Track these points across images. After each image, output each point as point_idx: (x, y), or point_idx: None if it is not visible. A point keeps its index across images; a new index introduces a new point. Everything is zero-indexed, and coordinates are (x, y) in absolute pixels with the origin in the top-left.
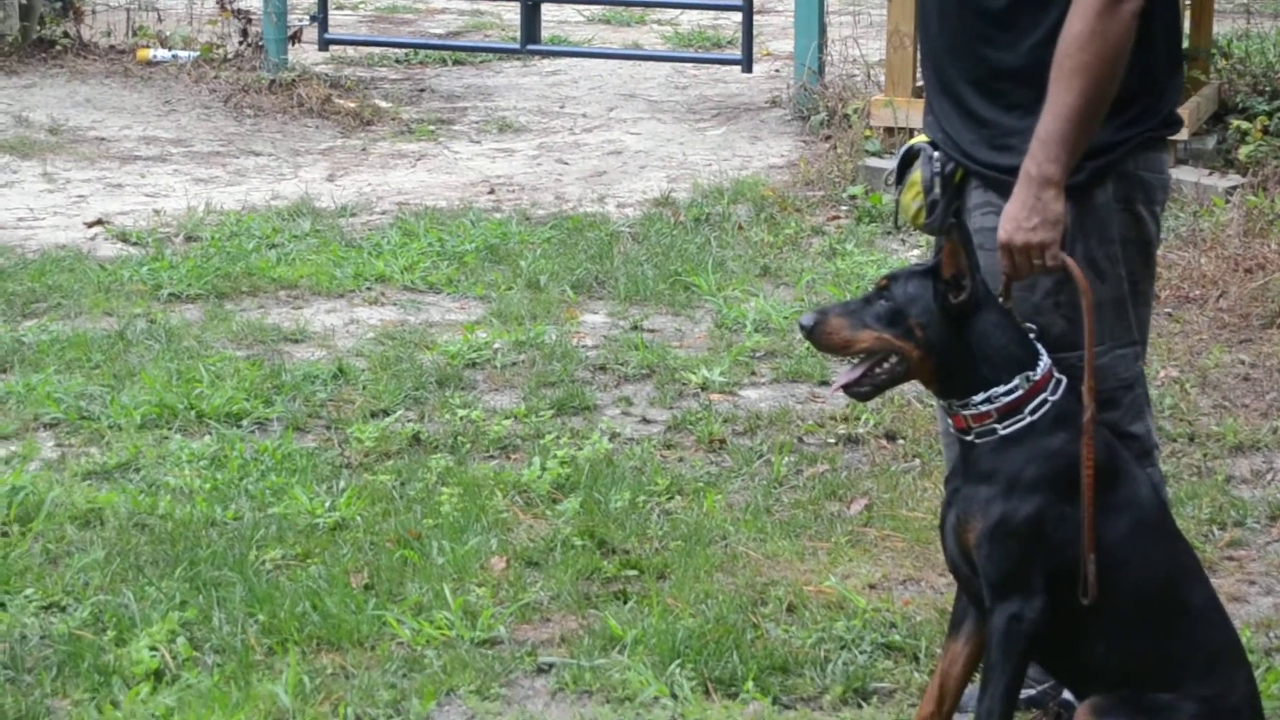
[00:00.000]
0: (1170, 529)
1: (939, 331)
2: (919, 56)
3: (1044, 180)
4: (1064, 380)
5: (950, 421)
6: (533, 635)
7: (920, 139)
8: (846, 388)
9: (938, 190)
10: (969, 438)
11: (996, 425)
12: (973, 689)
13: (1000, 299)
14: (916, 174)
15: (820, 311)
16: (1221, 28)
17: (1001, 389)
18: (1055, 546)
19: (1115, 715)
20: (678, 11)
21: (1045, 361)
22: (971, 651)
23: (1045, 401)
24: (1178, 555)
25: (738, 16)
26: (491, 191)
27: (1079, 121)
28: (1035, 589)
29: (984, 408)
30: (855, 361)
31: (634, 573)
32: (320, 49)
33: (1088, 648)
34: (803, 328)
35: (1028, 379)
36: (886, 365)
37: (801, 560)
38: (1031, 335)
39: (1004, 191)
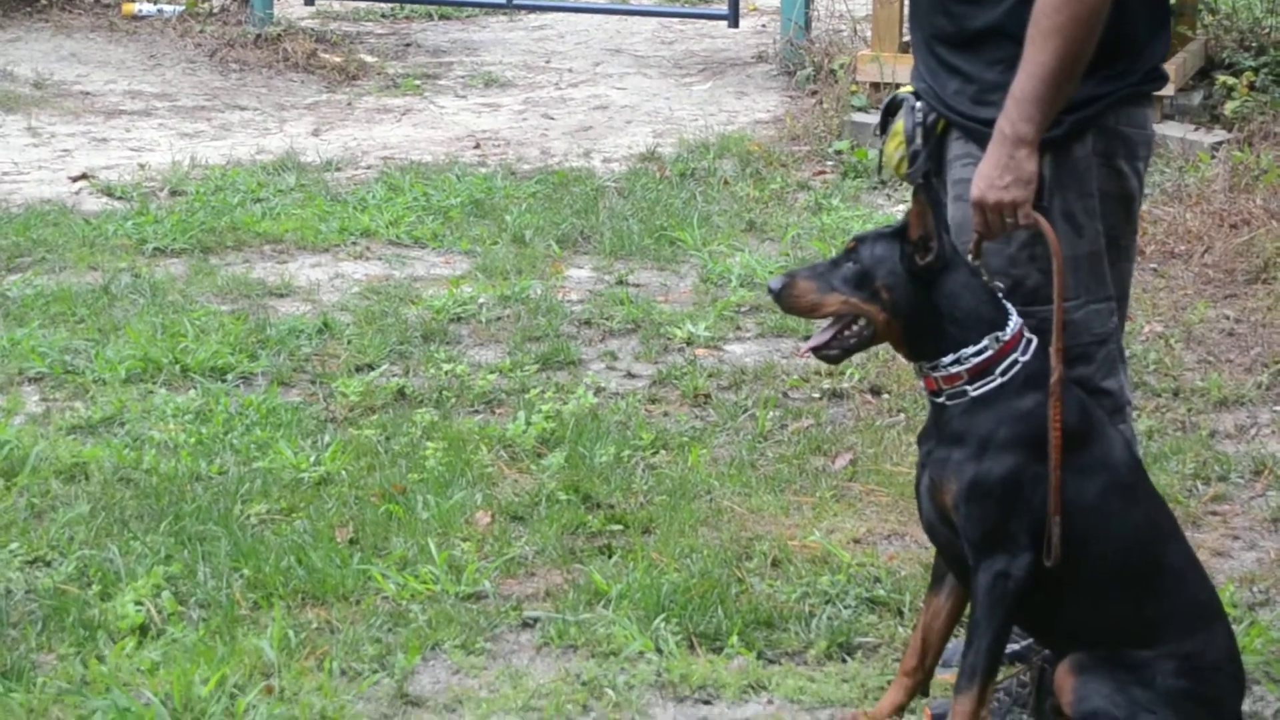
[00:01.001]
0: (1145, 488)
1: (905, 293)
2: (908, 10)
3: (1017, 139)
4: (1034, 340)
5: (921, 382)
6: (517, 590)
7: (905, 89)
8: (816, 350)
9: (919, 140)
10: (940, 399)
11: (967, 387)
12: (956, 643)
13: (970, 254)
14: (899, 124)
15: (788, 275)
16: None
17: (971, 350)
18: (1034, 505)
19: (1096, 672)
20: None
21: (1015, 321)
22: (953, 605)
23: (1016, 362)
24: (1153, 514)
25: None
26: (477, 146)
27: (1054, 81)
28: (1020, 545)
29: (954, 369)
30: (824, 325)
31: (619, 527)
32: (306, 3)
33: (1067, 608)
34: (771, 291)
35: (997, 339)
36: (855, 328)
37: (786, 515)
38: (1000, 294)
39: (984, 143)
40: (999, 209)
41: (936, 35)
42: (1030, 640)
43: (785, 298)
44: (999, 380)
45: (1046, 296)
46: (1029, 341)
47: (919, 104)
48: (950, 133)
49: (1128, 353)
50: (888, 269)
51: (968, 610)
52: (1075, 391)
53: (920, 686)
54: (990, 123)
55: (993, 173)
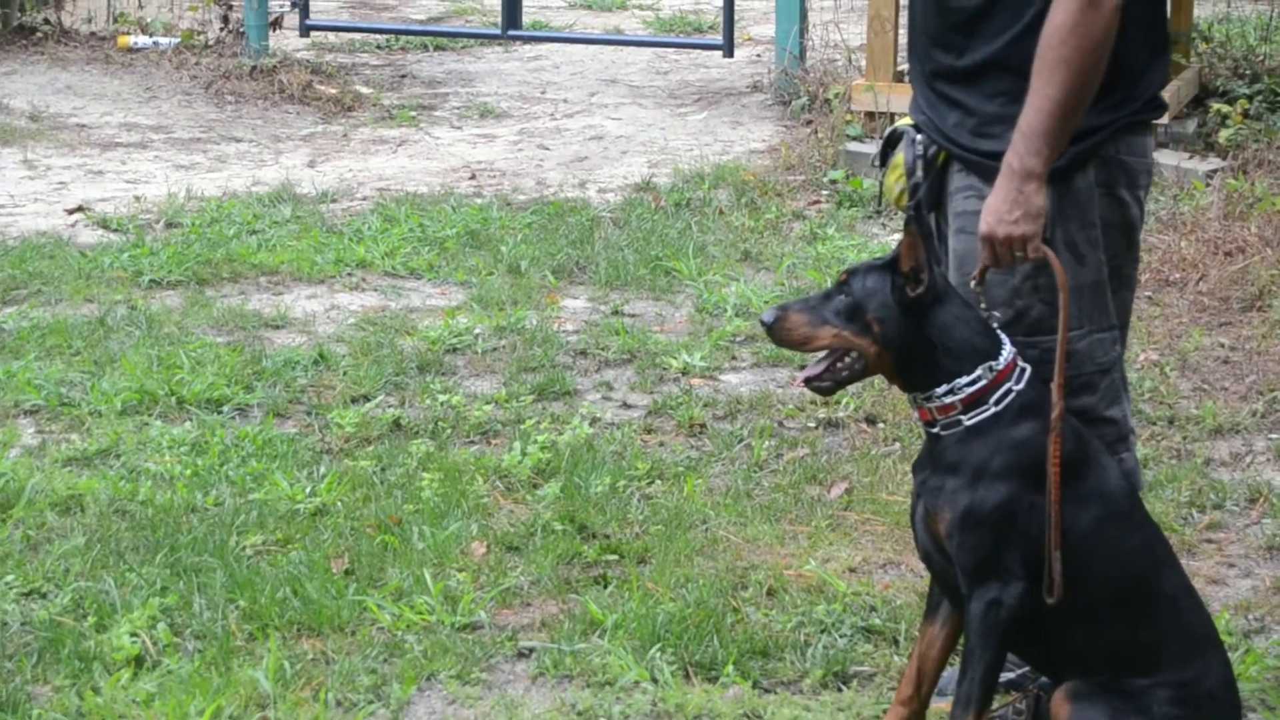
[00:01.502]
0: (1141, 516)
1: (897, 326)
2: (906, 42)
3: (1026, 173)
4: (1028, 369)
5: (916, 413)
6: (513, 620)
7: (904, 122)
8: (808, 382)
9: (920, 173)
10: (935, 429)
11: (961, 416)
12: (951, 672)
13: (975, 284)
14: (900, 156)
15: (780, 308)
16: (1202, 11)
17: (965, 380)
18: (1028, 534)
19: (1091, 700)
20: None
21: (1009, 351)
22: (948, 634)
23: (1010, 391)
24: (1150, 543)
25: (719, 1)
26: (473, 177)
27: (1061, 114)
28: (1013, 574)
29: (948, 399)
30: (818, 356)
31: (614, 557)
32: (301, 35)
33: (1063, 635)
34: (763, 324)
35: (990, 369)
36: (847, 360)
37: (781, 544)
38: (995, 324)
39: (986, 176)
40: (1008, 243)
41: (936, 70)
42: (1026, 669)
43: (778, 331)
44: (993, 410)
45: (1050, 327)
46: (1023, 371)
47: (919, 136)
48: (951, 165)
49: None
50: (879, 301)
51: (963, 639)
52: (1070, 420)
53: (916, 716)
54: (991, 155)
55: (1001, 207)
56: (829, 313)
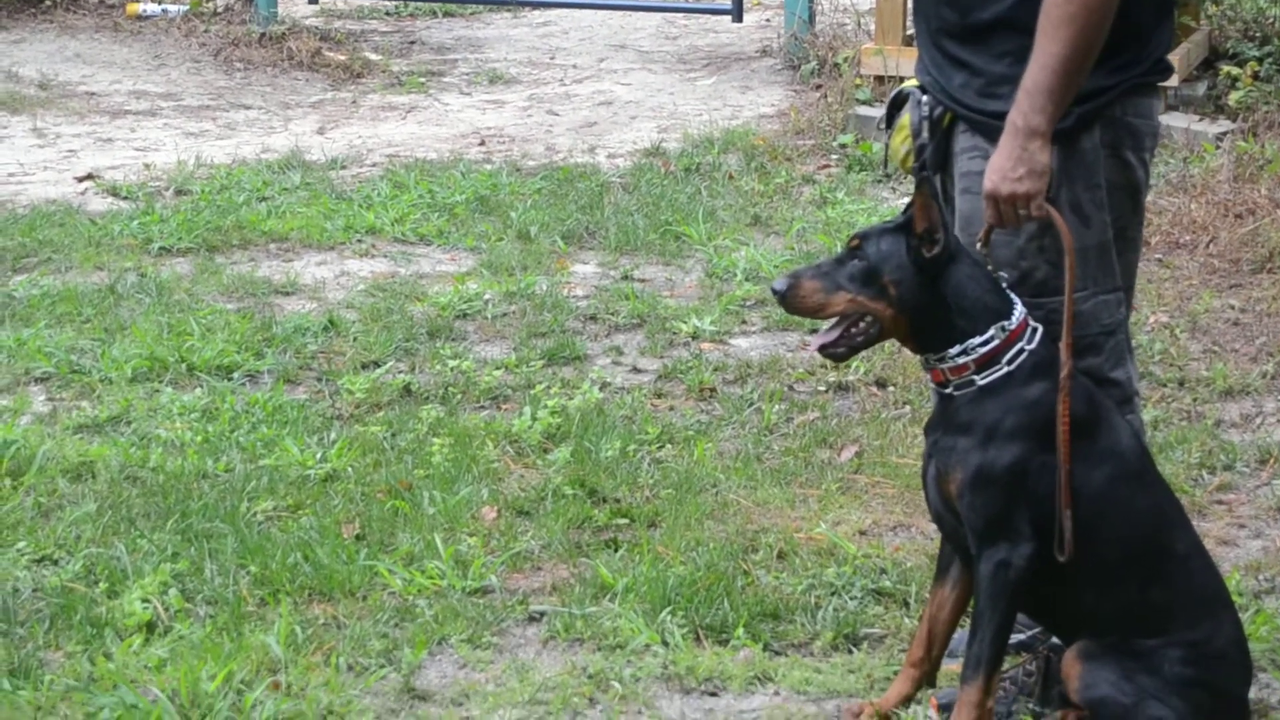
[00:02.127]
0: (1153, 476)
1: (913, 287)
2: (910, 4)
3: (1030, 131)
4: (1040, 329)
5: (929, 374)
6: (524, 584)
7: (910, 83)
8: (822, 349)
9: (925, 134)
10: (947, 390)
11: (974, 376)
12: (961, 633)
13: (980, 245)
14: (905, 118)
15: (792, 275)
16: None
17: (978, 340)
18: (1038, 494)
19: (1103, 660)
20: None
21: (1020, 310)
22: (959, 596)
23: (1022, 351)
24: (1161, 503)
25: None
26: (482, 143)
27: (1065, 72)
28: (1022, 535)
29: (961, 360)
30: (831, 322)
31: (625, 521)
32: (310, 2)
33: (1074, 595)
34: (775, 293)
35: (1003, 329)
36: (861, 325)
37: (792, 507)
38: (1005, 284)
39: (991, 136)
40: (1012, 201)
41: (942, 29)
42: (1036, 630)
43: (791, 299)
44: (1005, 369)
45: (1055, 288)
46: (1034, 330)
47: (925, 98)
48: (957, 126)
49: (1134, 343)
50: (895, 264)
51: (973, 600)
52: (1081, 380)
53: (927, 677)
54: (997, 115)
55: (1005, 165)
56: (843, 278)
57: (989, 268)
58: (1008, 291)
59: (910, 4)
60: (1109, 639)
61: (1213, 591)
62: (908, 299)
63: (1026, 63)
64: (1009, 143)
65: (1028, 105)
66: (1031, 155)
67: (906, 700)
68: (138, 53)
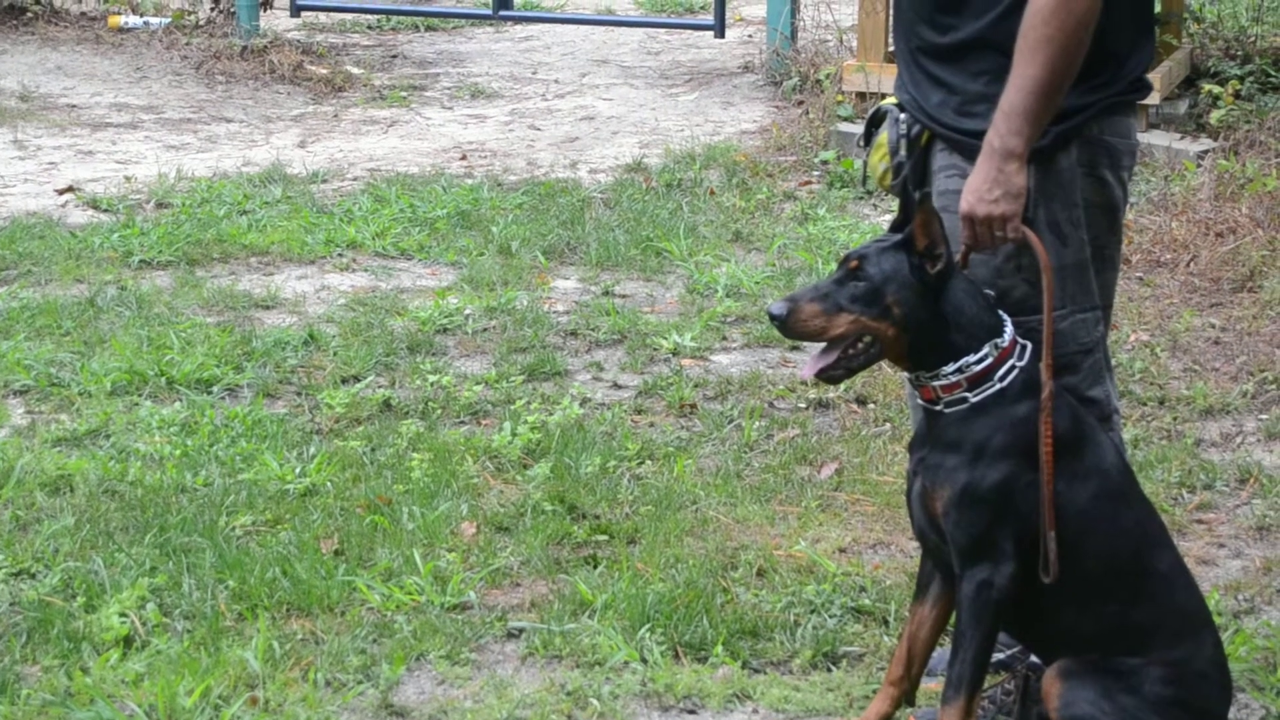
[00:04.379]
0: (1135, 494)
1: (916, 305)
2: (893, 21)
3: (1006, 153)
4: (1030, 346)
5: (917, 391)
6: (503, 600)
7: (889, 101)
8: (821, 373)
9: (904, 152)
10: (938, 407)
11: (967, 394)
12: (941, 652)
13: (959, 266)
14: (884, 135)
15: (790, 299)
16: None
17: (973, 358)
18: (1023, 513)
19: (1083, 679)
20: None
21: (1010, 328)
22: (938, 615)
23: (1014, 368)
24: (1143, 521)
25: None
26: (463, 157)
27: (1043, 94)
28: (1005, 555)
29: (954, 377)
30: (822, 347)
31: (604, 538)
32: (292, 15)
33: (1055, 614)
34: (773, 317)
35: (996, 346)
36: (860, 346)
37: (772, 525)
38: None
39: (969, 155)
40: (988, 222)
41: (920, 47)
42: (1015, 649)
43: (791, 324)
44: (997, 386)
45: (1033, 306)
46: (1024, 347)
47: (903, 116)
48: (934, 144)
49: (1114, 361)
50: (899, 282)
51: (953, 619)
52: (1067, 399)
53: (906, 696)
54: (974, 134)
55: (982, 186)
56: (844, 299)
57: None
58: (998, 309)
59: (892, 21)
60: (1089, 657)
61: (1194, 610)
62: (911, 317)
63: (1004, 82)
64: (985, 164)
65: (1005, 127)
66: (1008, 177)
67: (885, 719)
68: (119, 65)
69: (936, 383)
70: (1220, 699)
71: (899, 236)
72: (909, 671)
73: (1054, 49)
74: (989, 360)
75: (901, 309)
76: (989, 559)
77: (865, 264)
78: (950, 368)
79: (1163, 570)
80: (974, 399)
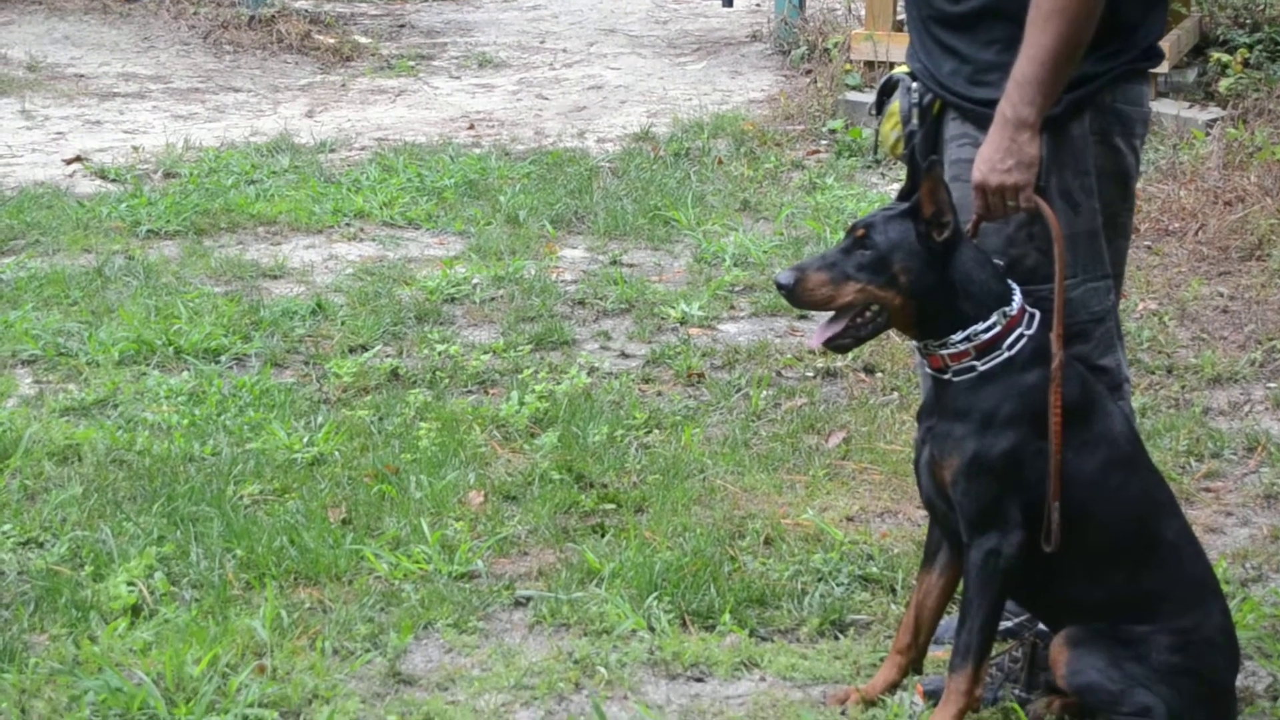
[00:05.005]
0: (1144, 463)
1: (924, 273)
2: None
3: (1019, 122)
4: (1038, 314)
5: (925, 360)
6: (510, 569)
7: (900, 70)
8: (829, 342)
9: (915, 121)
10: (945, 376)
11: (975, 362)
12: (949, 620)
13: (970, 235)
14: (895, 104)
15: (798, 268)
16: None
17: (981, 326)
18: (1031, 482)
19: (1090, 646)
20: None
21: (1019, 296)
22: (946, 583)
23: (1022, 336)
24: (1151, 489)
25: None
26: (471, 127)
27: (1055, 64)
28: (1013, 523)
29: (963, 346)
30: (829, 316)
31: (612, 506)
32: None
33: (1063, 582)
34: (780, 286)
35: (1004, 314)
36: (868, 315)
37: (779, 493)
38: (1001, 270)
39: (981, 123)
40: (1001, 192)
41: (933, 16)
42: (1023, 617)
43: (799, 292)
44: (1005, 355)
45: (1044, 275)
46: (1032, 316)
47: (915, 84)
48: (946, 113)
49: (1123, 330)
50: (906, 250)
51: (961, 587)
52: (1076, 367)
53: (913, 664)
54: (986, 102)
55: (994, 156)
56: (851, 267)
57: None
58: (1006, 278)
59: None
60: (1097, 625)
61: (1201, 579)
62: (918, 285)
63: (1015, 51)
64: (998, 134)
65: (1017, 96)
66: (1020, 147)
67: (892, 687)
68: (127, 35)
69: (945, 351)
70: (1228, 667)
71: (906, 205)
72: (916, 640)
73: (1066, 19)
74: (997, 328)
75: (908, 277)
76: (997, 527)
77: (872, 232)
78: (958, 336)
79: (1170, 539)
80: (982, 367)
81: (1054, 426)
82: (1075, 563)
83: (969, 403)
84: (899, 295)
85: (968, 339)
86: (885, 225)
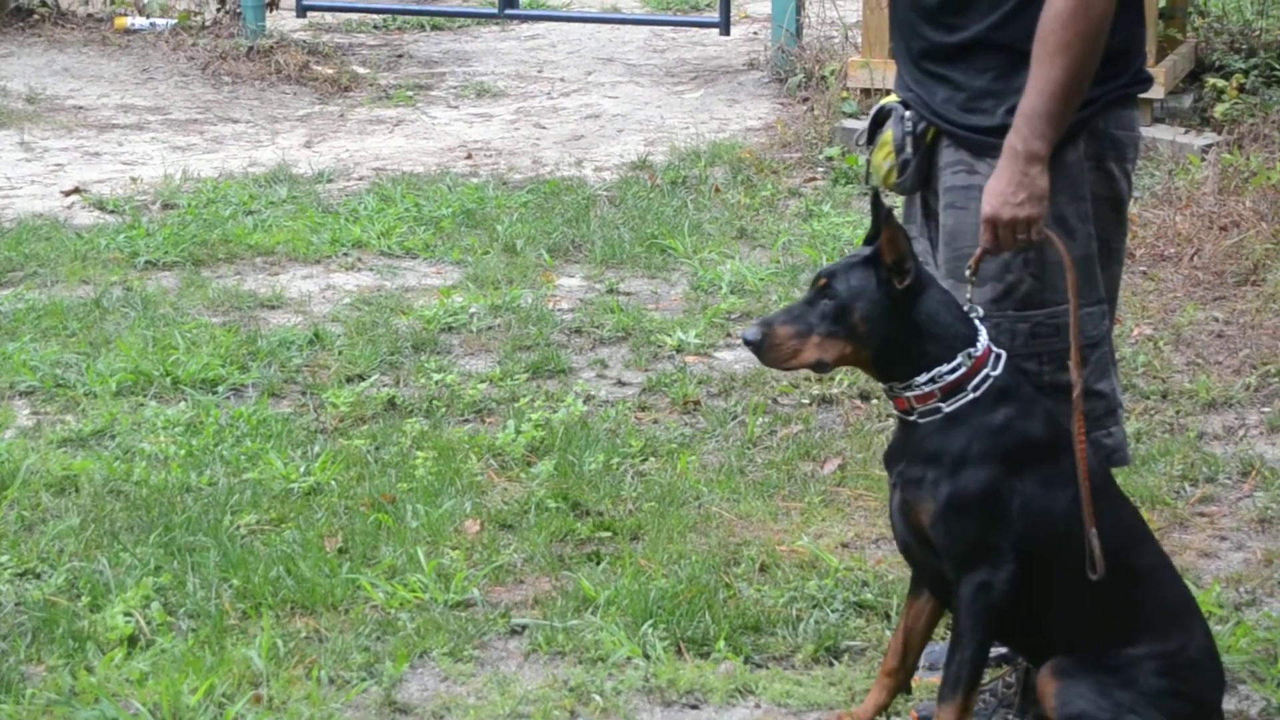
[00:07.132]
0: (1115, 493)
1: (881, 321)
2: (890, 22)
3: (1030, 156)
4: (1003, 355)
5: (891, 402)
6: (506, 597)
7: (892, 99)
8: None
9: (909, 150)
10: (912, 418)
11: (940, 404)
12: (942, 646)
13: (969, 271)
14: (888, 133)
15: (764, 323)
16: None
17: (946, 368)
18: (1014, 517)
19: (1078, 676)
20: None
21: (985, 337)
22: (935, 608)
23: (987, 377)
24: (1124, 518)
25: None
26: (469, 156)
27: (1063, 97)
28: (1003, 557)
29: (928, 388)
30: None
31: (607, 534)
32: (298, 15)
33: (1043, 616)
34: (748, 343)
35: (969, 355)
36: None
37: (774, 520)
38: (974, 316)
39: (975, 150)
40: (1012, 226)
41: (925, 49)
42: None
43: (766, 348)
44: (971, 396)
45: (1040, 301)
46: (998, 356)
47: (908, 113)
48: (940, 141)
49: (1117, 355)
50: (867, 299)
51: (952, 621)
52: (1043, 402)
53: (901, 686)
54: (980, 130)
55: (1006, 190)
56: (814, 319)
57: (968, 297)
58: (973, 319)
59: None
60: (1083, 653)
61: (1182, 601)
62: (875, 334)
63: (1009, 77)
64: (1008, 168)
65: (1027, 130)
66: (1032, 180)
67: (882, 710)
68: (125, 66)
69: (909, 393)
70: (1214, 685)
71: (869, 251)
72: (904, 662)
73: (1073, 53)
74: (963, 370)
75: (866, 325)
76: (987, 561)
77: (834, 281)
78: (923, 378)
79: (1147, 564)
80: (948, 409)
81: (1080, 453)
82: (1055, 596)
83: (938, 445)
84: (857, 344)
85: (932, 380)
86: (847, 274)
